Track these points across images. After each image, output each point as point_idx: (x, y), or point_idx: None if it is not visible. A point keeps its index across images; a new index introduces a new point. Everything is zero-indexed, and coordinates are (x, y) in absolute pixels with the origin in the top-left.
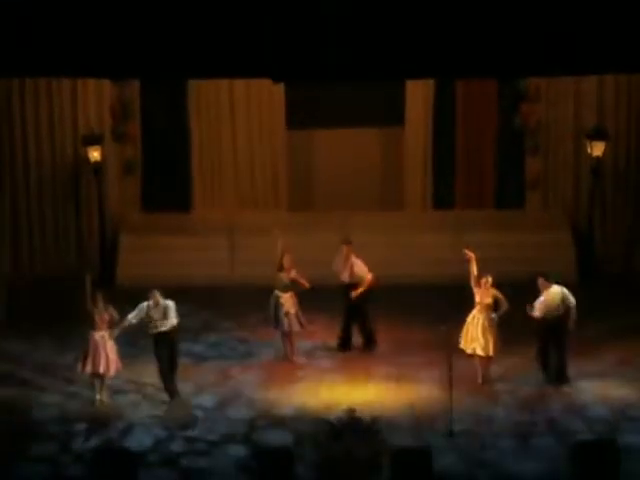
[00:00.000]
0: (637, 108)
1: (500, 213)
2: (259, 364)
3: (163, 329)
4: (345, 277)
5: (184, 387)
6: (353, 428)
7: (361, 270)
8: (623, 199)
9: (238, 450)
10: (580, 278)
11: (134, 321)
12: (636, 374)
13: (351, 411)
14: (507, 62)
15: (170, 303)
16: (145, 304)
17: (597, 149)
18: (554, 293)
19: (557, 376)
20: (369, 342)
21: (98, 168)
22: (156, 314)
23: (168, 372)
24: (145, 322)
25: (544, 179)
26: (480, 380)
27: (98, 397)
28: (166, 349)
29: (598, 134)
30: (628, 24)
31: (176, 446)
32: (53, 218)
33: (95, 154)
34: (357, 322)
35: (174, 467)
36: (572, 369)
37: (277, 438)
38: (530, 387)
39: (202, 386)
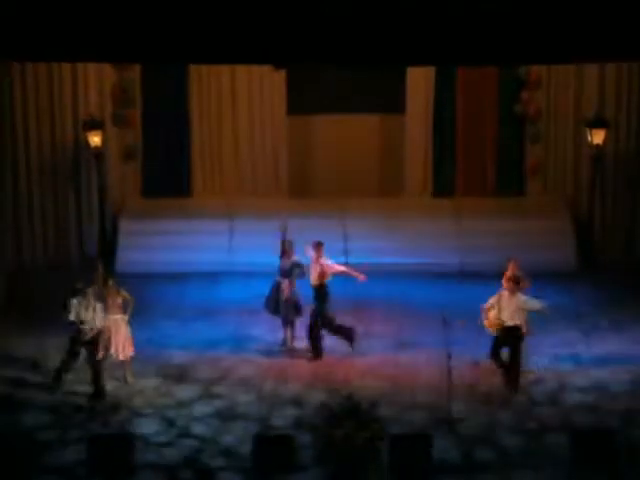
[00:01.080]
0: (638, 96)
1: (500, 200)
2: (258, 351)
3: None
4: (313, 279)
5: (185, 384)
6: (352, 414)
7: (327, 274)
8: (623, 187)
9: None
10: (580, 265)
11: (71, 318)
12: (636, 362)
13: (350, 397)
14: (508, 49)
15: (100, 306)
16: (74, 302)
17: (597, 137)
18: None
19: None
20: (350, 338)
21: (99, 153)
22: (87, 316)
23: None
24: (75, 324)
25: (544, 166)
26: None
27: (126, 377)
28: (93, 353)
29: (598, 122)
30: (629, 12)
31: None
32: (53, 203)
33: (96, 139)
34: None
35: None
36: (571, 357)
37: (278, 425)
38: (530, 372)
39: (203, 381)
